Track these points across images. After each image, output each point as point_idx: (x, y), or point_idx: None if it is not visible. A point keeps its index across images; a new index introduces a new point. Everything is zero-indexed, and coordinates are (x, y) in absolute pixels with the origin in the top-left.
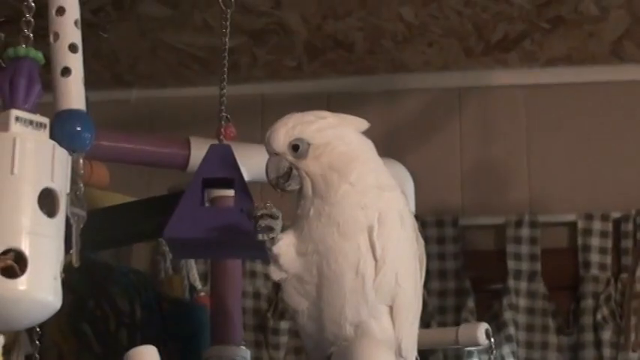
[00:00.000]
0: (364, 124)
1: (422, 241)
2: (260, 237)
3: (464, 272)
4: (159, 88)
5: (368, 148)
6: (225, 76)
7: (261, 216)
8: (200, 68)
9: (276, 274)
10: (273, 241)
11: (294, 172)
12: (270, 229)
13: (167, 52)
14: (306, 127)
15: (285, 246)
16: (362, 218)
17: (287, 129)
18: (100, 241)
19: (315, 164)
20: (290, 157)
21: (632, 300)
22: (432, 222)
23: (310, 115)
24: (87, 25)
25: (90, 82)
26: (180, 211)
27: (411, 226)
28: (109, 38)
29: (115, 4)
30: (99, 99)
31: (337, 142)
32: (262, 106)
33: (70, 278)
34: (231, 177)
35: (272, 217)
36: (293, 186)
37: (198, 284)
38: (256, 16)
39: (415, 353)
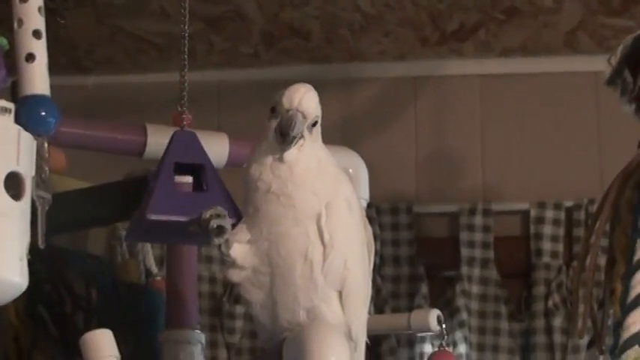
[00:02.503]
0: None
1: (370, 228)
2: (215, 241)
3: (418, 259)
4: (116, 74)
5: None
6: (185, 62)
7: (210, 217)
8: (157, 54)
9: (236, 276)
10: (227, 244)
11: (300, 140)
12: (222, 229)
13: (124, 39)
14: (319, 107)
15: (239, 245)
16: (313, 204)
17: (317, 101)
18: (56, 226)
19: (313, 145)
20: (305, 127)
21: (581, 288)
22: (386, 209)
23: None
24: (45, 11)
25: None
26: (159, 194)
27: (358, 213)
28: (67, 24)
29: None
30: (57, 84)
31: (319, 129)
32: (218, 94)
33: (27, 262)
34: (202, 163)
35: (220, 216)
36: (291, 153)
37: (154, 269)
38: (213, 3)
39: (365, 337)
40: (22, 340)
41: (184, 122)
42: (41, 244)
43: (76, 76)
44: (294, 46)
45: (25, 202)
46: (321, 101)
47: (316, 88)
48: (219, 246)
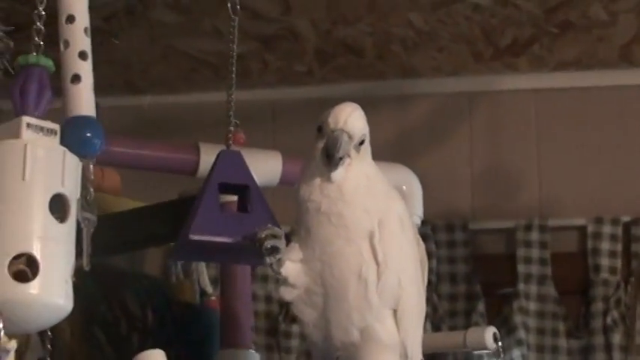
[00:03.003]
0: None
1: (422, 244)
2: (268, 260)
3: (474, 276)
4: (171, 93)
5: None
6: (233, 82)
7: (266, 237)
8: (211, 74)
9: (288, 294)
10: (279, 263)
11: (347, 159)
12: (276, 249)
13: (178, 58)
14: (366, 126)
15: (292, 264)
16: (365, 222)
17: (364, 120)
18: (112, 246)
19: (361, 164)
20: (352, 147)
21: (638, 304)
22: (442, 226)
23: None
24: (99, 32)
25: (102, 89)
26: (202, 214)
27: (411, 230)
28: (121, 45)
29: (126, 10)
30: (111, 105)
31: (369, 147)
32: (273, 112)
33: (83, 283)
34: (247, 183)
35: (275, 236)
36: (339, 174)
37: (209, 288)
38: (266, 22)
39: (420, 356)
40: None
41: (230, 141)
42: (86, 267)
43: (131, 97)
44: (347, 63)
45: (71, 224)
46: (375, 118)
47: (370, 104)
48: (271, 265)
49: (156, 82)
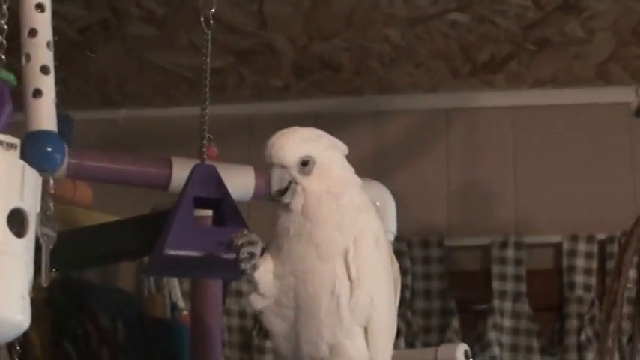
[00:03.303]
0: (346, 150)
1: (396, 263)
2: (243, 266)
3: (449, 292)
4: (146, 107)
5: (352, 171)
6: (207, 95)
7: (242, 244)
8: (187, 88)
9: (258, 303)
10: (254, 267)
11: (293, 186)
12: (252, 255)
13: (154, 72)
14: (314, 144)
15: (264, 271)
16: (339, 240)
17: (297, 143)
18: (83, 260)
19: (316, 184)
20: (294, 172)
21: (611, 321)
22: (417, 242)
23: (312, 132)
24: (74, 45)
25: (78, 102)
26: (177, 229)
27: (385, 248)
28: (97, 58)
29: (102, 23)
30: (86, 118)
31: (334, 164)
32: (249, 127)
33: (52, 296)
34: (222, 197)
35: (252, 243)
36: (288, 199)
37: (181, 303)
38: (242, 36)
39: None
40: None
41: (204, 156)
42: (44, 283)
43: (107, 110)
44: (324, 79)
45: (29, 240)
46: (352, 133)
47: (347, 120)
48: (245, 270)
49: (131, 95)
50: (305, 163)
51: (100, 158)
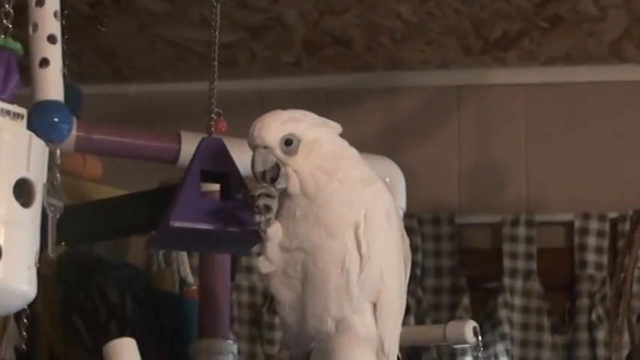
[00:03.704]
0: (340, 128)
1: (407, 240)
2: (257, 218)
3: (459, 270)
4: (157, 82)
5: (348, 145)
6: (215, 69)
7: (259, 195)
8: (198, 62)
9: (265, 266)
10: (268, 222)
11: (282, 169)
12: (268, 208)
13: (165, 47)
14: (297, 123)
15: (275, 235)
16: (349, 216)
17: (279, 123)
18: (92, 234)
19: (304, 162)
20: (279, 152)
21: (620, 300)
22: (428, 219)
23: (296, 112)
24: (85, 19)
25: (89, 76)
26: (183, 201)
27: (397, 223)
28: (108, 32)
29: None
30: (97, 93)
31: (323, 140)
32: (261, 102)
33: (61, 270)
34: (229, 170)
35: (269, 196)
36: (282, 184)
37: (190, 278)
38: (254, 11)
39: (397, 351)
40: (55, 349)
41: (212, 129)
42: (51, 253)
43: (118, 85)
44: (335, 55)
45: (35, 210)
46: (363, 110)
47: (358, 96)
48: (260, 223)
49: (142, 70)
50: (288, 142)
51: (108, 132)
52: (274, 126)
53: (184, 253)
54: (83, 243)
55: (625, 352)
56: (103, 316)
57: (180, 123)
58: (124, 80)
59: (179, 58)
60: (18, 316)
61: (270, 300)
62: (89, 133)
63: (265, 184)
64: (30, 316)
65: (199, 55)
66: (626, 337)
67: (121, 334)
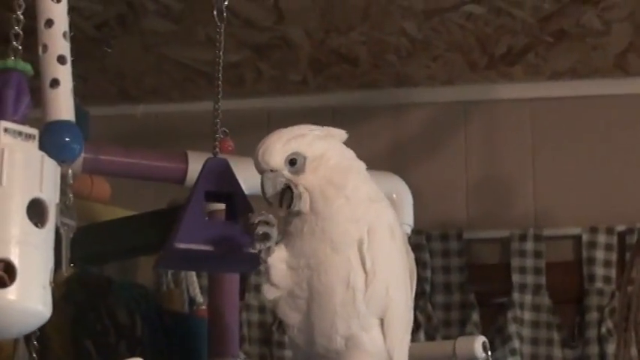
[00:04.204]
0: (344, 135)
1: (412, 254)
2: (257, 246)
3: (468, 286)
4: (164, 102)
5: (355, 157)
6: (220, 89)
7: (258, 223)
8: (205, 83)
9: (270, 293)
10: (268, 251)
11: (295, 191)
12: (267, 236)
13: (172, 67)
14: (299, 141)
15: (278, 260)
16: (353, 232)
17: (281, 144)
18: (101, 255)
19: (314, 178)
20: (287, 173)
21: (629, 312)
22: (436, 235)
23: (298, 129)
24: (91, 40)
25: (96, 97)
26: (187, 223)
27: (400, 239)
28: (114, 53)
29: (118, 19)
30: (104, 114)
31: (330, 153)
32: (268, 121)
33: (70, 291)
34: (234, 191)
35: (268, 224)
36: (297, 206)
37: (199, 298)
38: (260, 30)
39: None
40: None
41: (217, 149)
42: (65, 272)
43: (125, 106)
44: (342, 72)
45: (49, 230)
46: (370, 127)
47: (364, 114)
48: (260, 252)
49: (149, 91)
50: (293, 162)
51: (116, 152)
52: (277, 147)
53: (193, 273)
54: (92, 264)
55: None
56: (113, 337)
57: (188, 143)
58: (130, 101)
59: (186, 78)
60: (28, 338)
61: (279, 319)
62: (97, 154)
63: (264, 213)
64: (40, 338)
65: (206, 75)
66: (634, 351)
67: (131, 355)
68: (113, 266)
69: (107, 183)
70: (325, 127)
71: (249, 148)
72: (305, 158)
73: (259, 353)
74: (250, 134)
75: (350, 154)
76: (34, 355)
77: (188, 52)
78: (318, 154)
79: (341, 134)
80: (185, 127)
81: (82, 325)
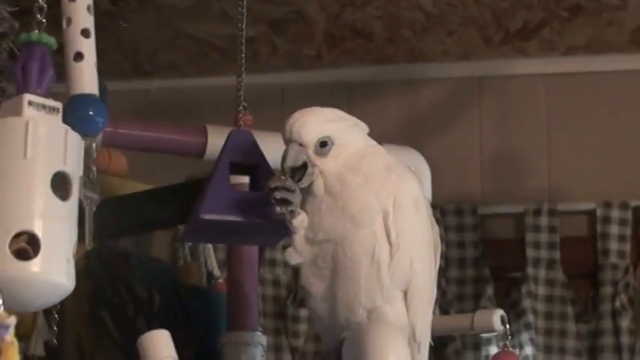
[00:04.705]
0: (367, 128)
1: (437, 227)
2: (278, 209)
3: (483, 260)
4: (179, 77)
5: (376, 144)
6: (243, 61)
7: (276, 188)
8: (220, 57)
9: (293, 258)
10: (292, 214)
11: (309, 169)
12: (286, 201)
13: (187, 42)
14: (334, 126)
15: (301, 224)
16: (375, 205)
17: (319, 123)
18: (118, 229)
19: (333, 164)
20: (311, 152)
21: None
22: (451, 210)
23: (335, 114)
24: (107, 15)
25: (111, 72)
26: (212, 194)
27: (425, 212)
28: (129, 28)
29: None
30: (120, 89)
31: (354, 144)
32: (282, 96)
33: (89, 265)
34: (258, 162)
35: (287, 189)
36: (305, 183)
37: (217, 271)
38: (275, 4)
39: (429, 338)
40: (84, 344)
41: (241, 122)
42: (88, 246)
43: (139, 81)
44: (356, 47)
45: (73, 203)
46: (384, 102)
47: (379, 88)
48: (284, 214)
49: (164, 66)
50: (324, 144)
51: (135, 126)
52: (315, 127)
53: (210, 247)
54: (110, 238)
55: None
56: (131, 311)
57: (202, 118)
58: (145, 76)
59: (200, 53)
60: (47, 310)
61: (294, 293)
62: (115, 127)
63: (284, 178)
64: (59, 311)
65: (221, 49)
66: None
67: (149, 329)
68: (128, 240)
69: (124, 157)
70: (354, 118)
71: (263, 123)
72: (333, 144)
73: (274, 327)
74: (264, 109)
75: (372, 143)
76: (55, 328)
77: (203, 26)
78: (344, 143)
79: (365, 127)
80: (199, 102)
81: (100, 298)
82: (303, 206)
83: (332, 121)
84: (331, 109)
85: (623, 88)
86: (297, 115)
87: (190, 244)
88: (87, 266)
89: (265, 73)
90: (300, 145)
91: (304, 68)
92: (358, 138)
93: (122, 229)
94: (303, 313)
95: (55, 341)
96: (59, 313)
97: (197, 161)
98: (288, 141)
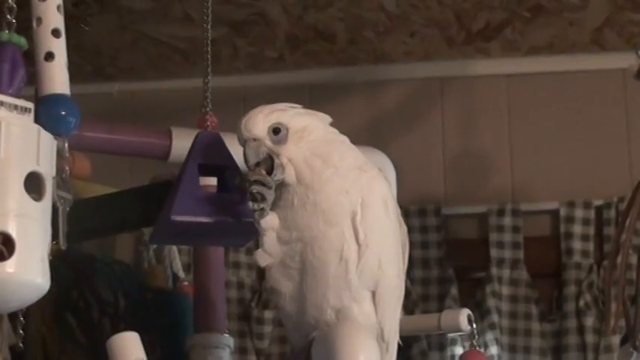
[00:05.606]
0: (328, 118)
1: (405, 227)
2: (251, 205)
3: (447, 261)
4: (141, 80)
5: (337, 132)
6: (209, 62)
7: (255, 181)
8: (182, 60)
9: (263, 259)
10: (262, 213)
11: (276, 160)
12: (262, 197)
13: (148, 45)
14: (282, 113)
15: (272, 228)
16: (346, 203)
17: (264, 114)
18: (82, 232)
19: (296, 149)
20: (269, 143)
21: (613, 286)
22: (414, 211)
23: (282, 105)
24: (68, 18)
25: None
26: (183, 195)
27: (394, 212)
28: (90, 31)
29: None
30: (81, 92)
31: (312, 126)
32: (244, 98)
33: (54, 268)
34: (226, 163)
35: (264, 185)
36: (278, 176)
37: (182, 273)
38: (237, 6)
39: (397, 338)
40: (49, 347)
41: (208, 123)
42: (62, 245)
43: (101, 84)
44: (319, 49)
45: (46, 203)
46: (347, 103)
47: (342, 90)
48: (254, 212)
49: (125, 68)
50: (276, 131)
51: (99, 129)
52: (260, 117)
53: (175, 249)
54: (74, 242)
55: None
56: (96, 313)
57: (164, 121)
58: (107, 79)
59: (162, 55)
60: (13, 314)
61: (259, 294)
62: (80, 130)
63: (262, 172)
64: (24, 314)
65: (182, 52)
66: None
67: (114, 332)
68: (91, 243)
69: (87, 159)
70: (309, 110)
71: (225, 125)
72: (287, 129)
73: (238, 329)
74: (227, 111)
75: (333, 130)
76: (20, 331)
77: (165, 29)
78: (301, 127)
79: (325, 117)
80: (161, 105)
81: (65, 301)
82: (274, 205)
83: (280, 110)
84: (282, 103)
85: (584, 87)
86: (245, 115)
87: (155, 246)
88: (52, 269)
89: (227, 75)
90: (255, 140)
91: (266, 70)
92: (315, 122)
93: (86, 232)
94: (268, 315)
95: (20, 345)
96: (24, 316)
97: (161, 163)
98: (244, 142)
